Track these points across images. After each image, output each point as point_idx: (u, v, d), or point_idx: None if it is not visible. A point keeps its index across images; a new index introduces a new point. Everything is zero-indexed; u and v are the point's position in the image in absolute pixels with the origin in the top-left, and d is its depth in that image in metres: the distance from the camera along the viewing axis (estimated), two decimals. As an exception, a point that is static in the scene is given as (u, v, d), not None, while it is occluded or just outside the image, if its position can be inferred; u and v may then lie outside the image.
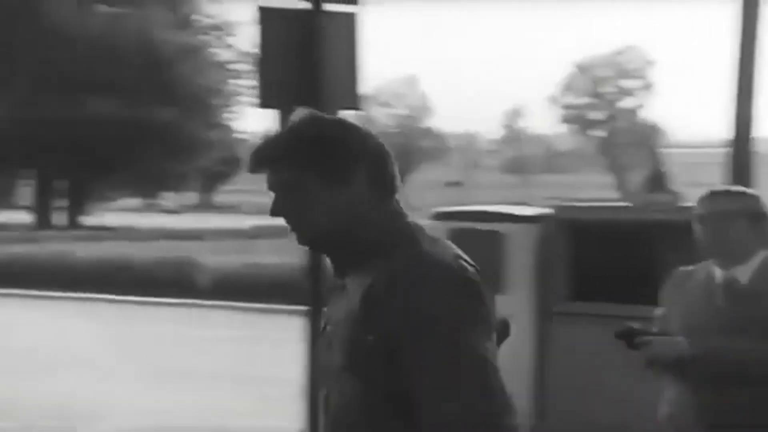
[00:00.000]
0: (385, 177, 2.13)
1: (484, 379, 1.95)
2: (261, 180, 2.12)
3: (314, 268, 5.83)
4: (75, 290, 16.67)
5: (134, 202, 49.78)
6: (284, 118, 5.90)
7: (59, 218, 36.93)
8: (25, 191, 39.92)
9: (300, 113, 2.15)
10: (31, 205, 38.10)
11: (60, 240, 23.60)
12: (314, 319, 5.64)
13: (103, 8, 36.29)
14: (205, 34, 38.02)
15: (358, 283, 2.07)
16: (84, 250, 18.64)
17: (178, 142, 35.60)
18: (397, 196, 2.15)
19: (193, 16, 37.79)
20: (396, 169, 2.16)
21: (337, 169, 2.09)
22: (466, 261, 2.07)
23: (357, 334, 2.02)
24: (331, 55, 5.96)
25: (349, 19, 6.12)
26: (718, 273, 3.32)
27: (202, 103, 36.39)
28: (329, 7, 6.01)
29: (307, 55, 5.90)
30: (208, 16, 38.25)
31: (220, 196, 62.00)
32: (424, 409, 1.96)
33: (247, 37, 34.09)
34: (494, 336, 2.04)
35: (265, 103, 5.98)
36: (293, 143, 2.11)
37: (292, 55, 5.88)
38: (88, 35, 33.97)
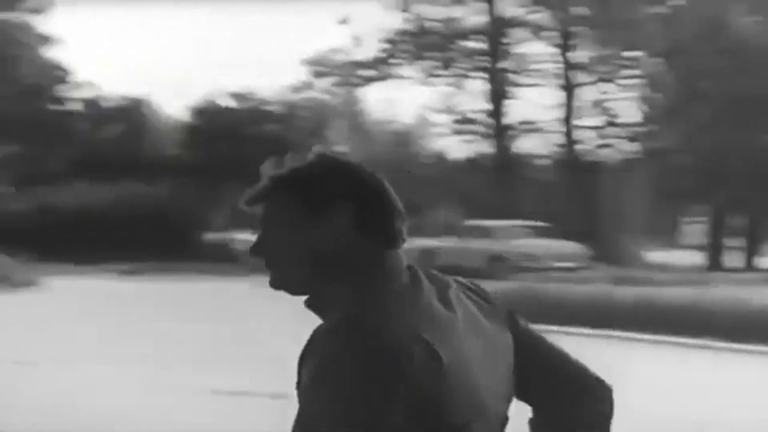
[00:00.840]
0: (374, 226, 1.95)
1: None
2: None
3: None
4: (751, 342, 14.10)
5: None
6: None
7: (733, 260, 33.35)
8: (693, 228, 37.03)
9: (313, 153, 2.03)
10: (702, 245, 35.03)
11: (732, 283, 20.68)
12: None
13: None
14: None
15: None
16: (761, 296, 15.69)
17: None
18: (396, 250, 1.95)
19: None
20: (400, 222, 1.96)
21: (315, 210, 1.95)
22: (422, 337, 1.81)
23: None
24: None
25: None
26: None
27: None
28: None
29: None
30: None
31: None
32: None
33: None
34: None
35: None
36: (279, 181, 1.99)
37: None
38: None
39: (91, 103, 38.67)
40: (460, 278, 2.04)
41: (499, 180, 35.23)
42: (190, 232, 34.82)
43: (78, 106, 38.89)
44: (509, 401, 1.97)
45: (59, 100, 38.76)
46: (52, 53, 38.20)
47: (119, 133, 37.49)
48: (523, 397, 2.02)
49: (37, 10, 37.47)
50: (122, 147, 36.09)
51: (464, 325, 1.91)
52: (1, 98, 35.56)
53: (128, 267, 28.75)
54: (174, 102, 58.25)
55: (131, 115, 38.30)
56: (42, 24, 37.70)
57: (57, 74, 38.32)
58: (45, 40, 37.83)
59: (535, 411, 2.05)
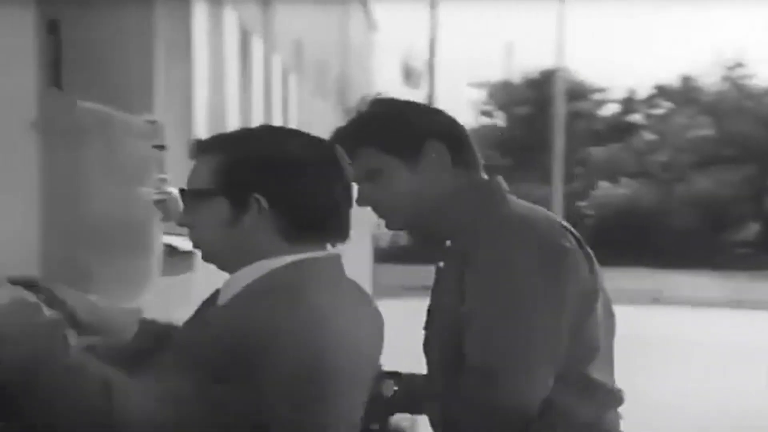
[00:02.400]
0: (463, 152, 2.20)
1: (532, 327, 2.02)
2: None
3: None
4: None
5: None
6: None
7: None
8: None
9: (368, 99, 2.24)
10: None
11: None
12: None
13: None
14: None
15: (451, 258, 2.15)
16: None
17: None
18: (481, 170, 2.22)
19: None
20: (475, 145, 2.22)
21: (415, 147, 2.15)
22: (565, 228, 2.13)
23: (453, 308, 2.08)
24: None
25: None
26: None
27: None
28: None
29: None
30: None
31: None
32: (471, 340, 2.04)
33: None
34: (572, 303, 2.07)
35: None
36: (367, 128, 2.17)
37: None
38: None
39: None
40: None
41: None
42: None
43: None
44: None
45: None
46: None
47: None
48: None
49: None
50: None
51: None
52: None
53: None
54: None
55: None
56: None
57: None
58: None
59: None
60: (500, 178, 2.23)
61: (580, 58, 45.28)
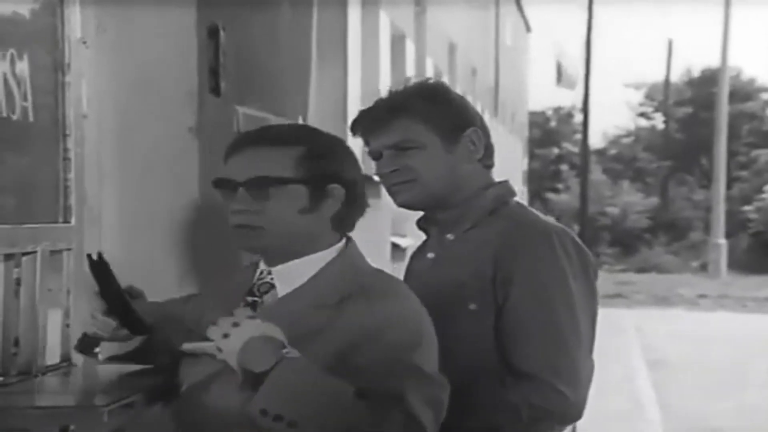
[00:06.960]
0: (488, 150, 2.27)
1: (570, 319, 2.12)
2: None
3: None
4: None
5: None
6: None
7: None
8: None
9: (411, 79, 2.29)
10: None
11: None
12: None
13: None
14: None
15: (467, 239, 2.20)
16: None
17: None
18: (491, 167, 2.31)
19: None
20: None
21: (458, 131, 2.21)
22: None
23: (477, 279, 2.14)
24: None
25: None
26: None
27: None
28: None
29: None
30: None
31: None
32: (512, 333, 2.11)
33: None
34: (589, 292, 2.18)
35: None
36: (415, 102, 2.19)
37: None
38: None
39: None
40: None
41: None
42: None
43: None
44: None
45: None
46: None
47: None
48: None
49: None
50: None
51: None
52: None
53: None
54: None
55: None
56: None
57: None
58: None
59: None
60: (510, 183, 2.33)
61: (748, 57, 43.85)
